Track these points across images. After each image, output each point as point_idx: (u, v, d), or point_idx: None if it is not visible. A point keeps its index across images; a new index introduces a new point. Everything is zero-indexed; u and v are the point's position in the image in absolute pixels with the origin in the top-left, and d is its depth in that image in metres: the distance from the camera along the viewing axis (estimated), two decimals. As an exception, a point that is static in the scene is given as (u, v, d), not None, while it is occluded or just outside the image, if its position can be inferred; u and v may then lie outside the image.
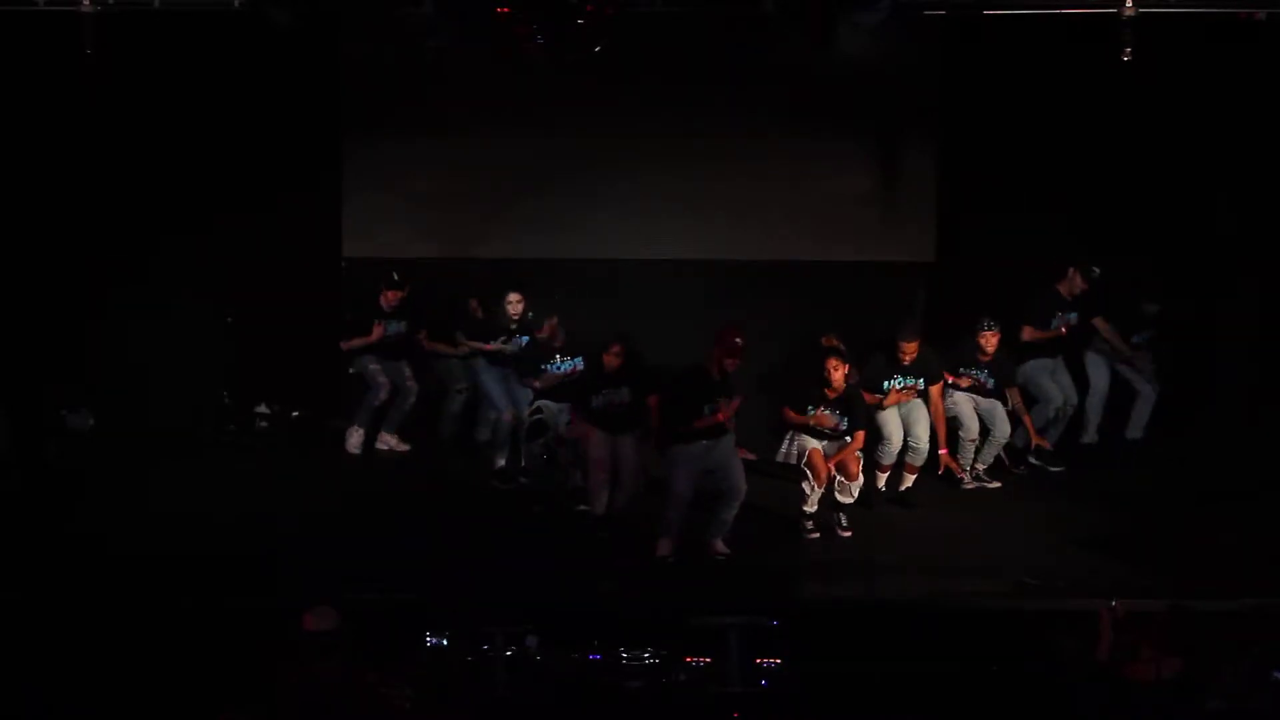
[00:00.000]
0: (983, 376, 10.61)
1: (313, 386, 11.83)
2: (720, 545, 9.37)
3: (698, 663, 7.54)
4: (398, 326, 11.21)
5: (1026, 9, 9.84)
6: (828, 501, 9.85)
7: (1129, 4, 9.22)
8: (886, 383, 10.24)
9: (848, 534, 9.81)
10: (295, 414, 11.46)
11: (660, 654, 7.57)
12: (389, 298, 11.16)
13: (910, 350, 10.15)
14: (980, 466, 10.78)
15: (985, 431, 10.67)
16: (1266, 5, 9.44)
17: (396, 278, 11.14)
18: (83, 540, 9.23)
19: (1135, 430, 11.47)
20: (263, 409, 11.28)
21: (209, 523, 9.69)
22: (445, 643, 7.55)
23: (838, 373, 9.60)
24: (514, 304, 10.88)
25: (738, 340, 9.25)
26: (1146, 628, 7.17)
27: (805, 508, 9.81)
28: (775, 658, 7.55)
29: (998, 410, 10.69)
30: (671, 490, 9.33)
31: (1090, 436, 11.51)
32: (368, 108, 12.08)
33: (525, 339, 10.80)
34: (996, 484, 10.80)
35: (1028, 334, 11.06)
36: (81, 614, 8.12)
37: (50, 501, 10.15)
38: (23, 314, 11.46)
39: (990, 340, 10.50)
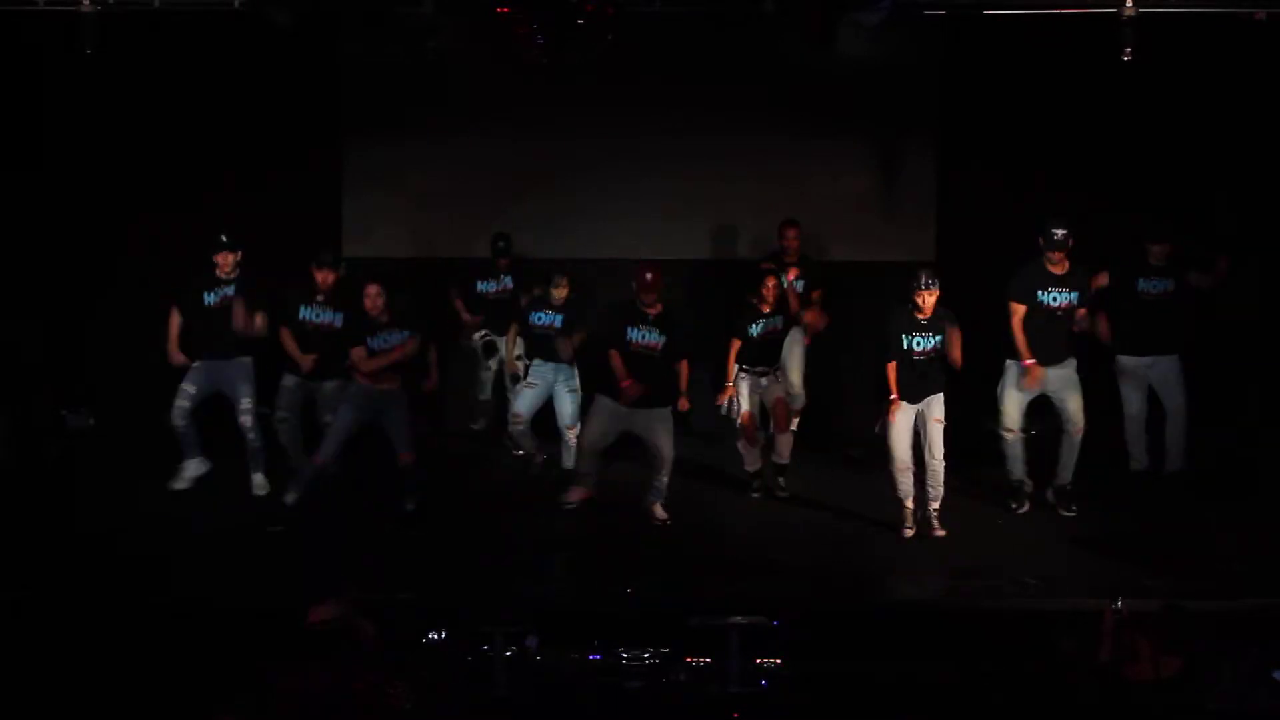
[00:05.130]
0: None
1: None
2: (659, 510, 9.78)
3: (698, 663, 7.54)
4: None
5: (1026, 9, 9.84)
6: (768, 463, 10.35)
7: (1129, 4, 9.21)
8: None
9: (784, 494, 10.32)
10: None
11: (660, 654, 7.57)
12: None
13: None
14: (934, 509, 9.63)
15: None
16: (1266, 5, 9.43)
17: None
18: (83, 540, 9.23)
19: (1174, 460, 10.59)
20: (263, 409, 11.21)
21: (208, 522, 9.70)
22: (445, 642, 7.55)
23: (772, 282, 10.18)
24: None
25: (648, 275, 9.74)
26: (1145, 628, 7.17)
27: (746, 467, 10.32)
28: (775, 658, 7.54)
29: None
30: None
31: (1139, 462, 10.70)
32: (368, 108, 12.09)
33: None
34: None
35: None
36: (80, 614, 8.11)
37: (50, 501, 10.15)
38: (22, 313, 11.45)
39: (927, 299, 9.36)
